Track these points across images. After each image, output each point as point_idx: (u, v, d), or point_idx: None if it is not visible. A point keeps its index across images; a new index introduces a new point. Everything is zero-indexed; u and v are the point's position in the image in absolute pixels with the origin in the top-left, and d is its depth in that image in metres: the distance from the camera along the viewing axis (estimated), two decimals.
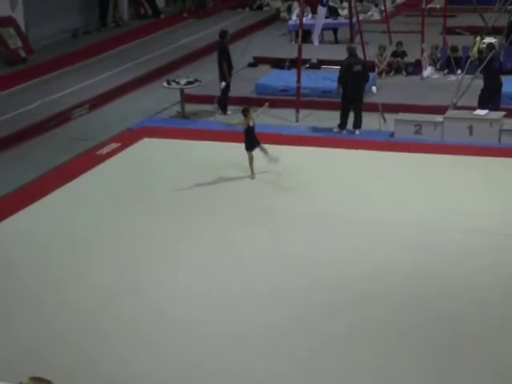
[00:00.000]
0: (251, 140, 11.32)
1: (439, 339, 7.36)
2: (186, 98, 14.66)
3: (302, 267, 8.72)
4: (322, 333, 7.49)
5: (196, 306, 8.01)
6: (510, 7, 14.19)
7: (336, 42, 19.46)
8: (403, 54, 16.58)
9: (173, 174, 11.62)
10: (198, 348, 7.32)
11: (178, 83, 14.57)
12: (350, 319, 7.70)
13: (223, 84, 14.36)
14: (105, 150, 12.67)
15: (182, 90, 14.51)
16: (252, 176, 11.36)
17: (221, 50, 14.27)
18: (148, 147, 12.92)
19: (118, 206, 10.53)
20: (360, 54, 14.32)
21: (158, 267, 8.85)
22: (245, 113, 11.29)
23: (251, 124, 11.28)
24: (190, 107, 14.69)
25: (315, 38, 16.59)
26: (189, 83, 14.58)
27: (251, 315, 7.80)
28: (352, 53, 13.34)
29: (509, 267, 8.63)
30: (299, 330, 7.55)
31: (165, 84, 14.74)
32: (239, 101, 14.49)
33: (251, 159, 11.31)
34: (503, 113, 12.85)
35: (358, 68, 13.14)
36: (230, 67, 14.31)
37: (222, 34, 14.44)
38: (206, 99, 14.76)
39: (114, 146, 12.86)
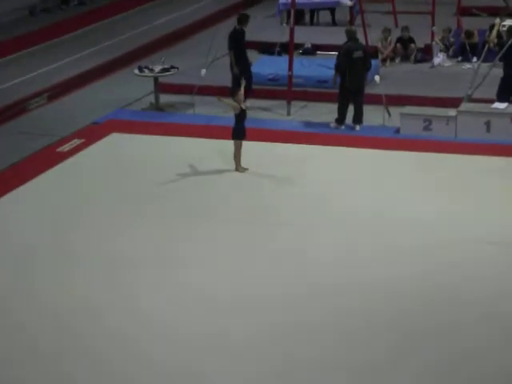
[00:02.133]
0: (243, 126, 11.35)
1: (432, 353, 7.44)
2: (161, 88, 14.68)
3: (294, 270, 8.88)
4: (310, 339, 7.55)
5: (177, 308, 8.10)
6: None
7: (333, 23, 19.56)
8: (410, 41, 16.68)
9: (145, 174, 11.64)
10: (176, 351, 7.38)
11: (151, 70, 14.58)
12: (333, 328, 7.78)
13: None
14: (66, 147, 12.66)
15: (156, 79, 14.53)
16: (241, 169, 11.44)
17: (230, 35, 14.10)
18: (117, 143, 12.92)
19: (81, 211, 10.54)
20: (361, 39, 14.40)
21: (129, 268, 8.95)
22: (234, 93, 11.37)
23: (244, 106, 11.34)
24: (165, 98, 14.71)
25: None
26: (164, 70, 14.60)
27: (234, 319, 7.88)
28: (352, 37, 13.40)
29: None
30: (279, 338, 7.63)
31: (136, 71, 14.75)
32: (220, 91, 14.58)
33: (239, 149, 11.35)
34: None
35: (358, 54, 13.20)
36: (242, 57, 14.09)
37: (240, 18, 14.20)
38: (184, 89, 14.79)
39: (77, 142, 12.86)
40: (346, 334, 7.92)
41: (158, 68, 14.62)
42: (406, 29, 16.79)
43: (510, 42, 13.22)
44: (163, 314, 8.27)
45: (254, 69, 14.87)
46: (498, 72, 13.40)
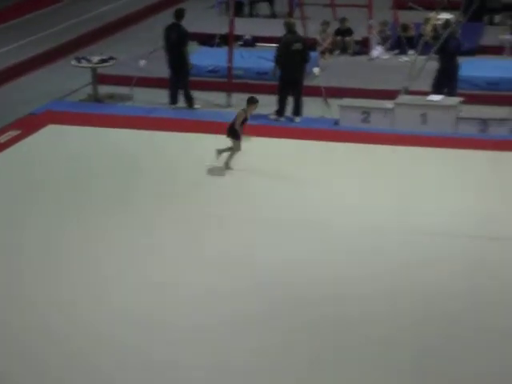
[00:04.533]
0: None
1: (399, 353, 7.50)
2: (100, 79, 14.48)
3: (227, 270, 8.79)
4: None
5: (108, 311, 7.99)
6: None
7: (273, 15, 19.54)
8: (348, 32, 16.76)
9: (83, 167, 11.47)
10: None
11: (89, 61, 14.36)
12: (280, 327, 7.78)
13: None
14: (2, 139, 12.39)
15: (94, 69, 14.32)
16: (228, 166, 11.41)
17: (181, 32, 13.77)
18: (54, 135, 12.70)
19: (16, 204, 10.32)
20: (300, 31, 14.41)
21: (59, 269, 8.81)
22: (251, 102, 11.38)
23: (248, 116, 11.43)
24: (104, 89, 14.51)
25: None
26: (102, 61, 14.39)
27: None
28: (291, 29, 13.39)
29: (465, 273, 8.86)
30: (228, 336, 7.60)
31: (74, 62, 14.51)
32: (159, 82, 14.43)
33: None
34: (460, 98, 13.13)
35: (297, 46, 13.21)
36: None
37: (179, 13, 13.95)
38: (123, 80, 14.60)
39: (12, 133, 12.60)
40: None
41: (95, 59, 14.40)
42: (344, 20, 16.86)
43: (444, 36, 13.38)
44: (84, 305, 8.17)
45: (194, 60, 14.74)
46: (434, 65, 13.54)
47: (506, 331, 7.78)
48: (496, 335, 7.73)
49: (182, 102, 14.01)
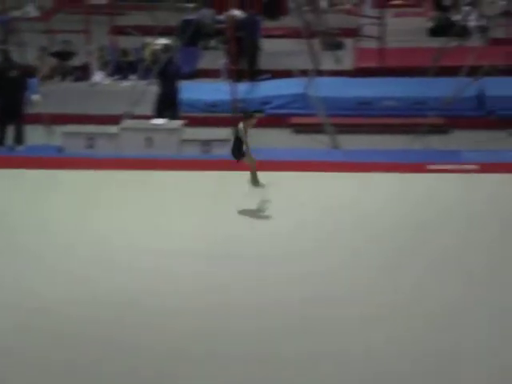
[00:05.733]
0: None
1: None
2: None
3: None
4: None
5: None
6: (180, 5, 14.94)
7: None
8: (69, 56, 16.57)
9: None
10: None
11: None
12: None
13: None
14: None
15: None
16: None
17: None
18: None
19: None
20: (17, 58, 14.04)
21: None
22: (248, 116, 10.56)
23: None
24: None
25: None
26: None
27: None
28: (6, 56, 13.14)
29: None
30: None
31: None
32: None
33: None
34: (183, 121, 13.45)
35: (13, 74, 12.92)
36: None
37: None
38: None
39: None
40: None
41: None
42: (66, 42, 16.65)
43: (163, 60, 13.66)
44: None
45: None
46: (156, 89, 13.74)
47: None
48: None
49: None
